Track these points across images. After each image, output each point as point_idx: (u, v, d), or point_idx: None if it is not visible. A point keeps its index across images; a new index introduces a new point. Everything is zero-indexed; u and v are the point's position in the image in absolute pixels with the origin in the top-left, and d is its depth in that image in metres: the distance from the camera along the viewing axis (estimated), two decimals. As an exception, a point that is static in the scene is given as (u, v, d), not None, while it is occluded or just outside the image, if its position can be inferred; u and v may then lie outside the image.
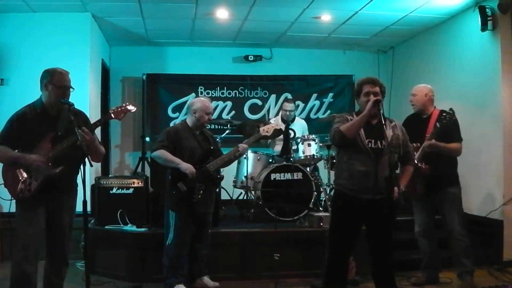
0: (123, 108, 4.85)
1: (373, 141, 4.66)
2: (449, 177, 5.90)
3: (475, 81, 7.41)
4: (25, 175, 4.44)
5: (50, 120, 4.57)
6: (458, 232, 5.80)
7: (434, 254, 6.08)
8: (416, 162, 5.38)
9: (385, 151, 4.60)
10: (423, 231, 6.07)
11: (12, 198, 4.51)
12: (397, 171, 4.80)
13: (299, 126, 8.46)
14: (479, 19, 7.24)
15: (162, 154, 5.74)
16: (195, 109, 5.87)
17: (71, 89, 4.62)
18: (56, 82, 4.53)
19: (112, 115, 4.81)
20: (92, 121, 4.86)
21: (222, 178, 6.09)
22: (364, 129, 4.67)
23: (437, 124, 5.61)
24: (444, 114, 5.64)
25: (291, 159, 7.56)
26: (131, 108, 4.90)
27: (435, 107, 6.00)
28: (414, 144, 5.62)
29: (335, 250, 4.89)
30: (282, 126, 7.85)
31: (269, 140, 8.44)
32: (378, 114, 4.64)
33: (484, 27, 7.22)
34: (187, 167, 5.61)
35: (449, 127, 5.64)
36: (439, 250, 6.09)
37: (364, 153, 4.65)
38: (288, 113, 8.36)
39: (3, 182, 4.53)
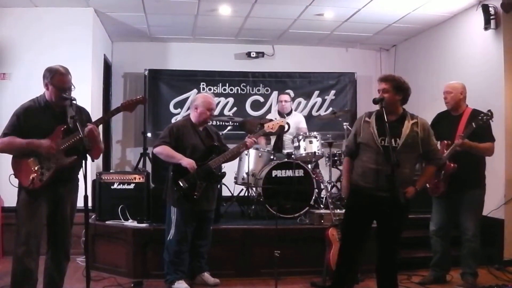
0: (134, 100, 4.85)
1: (386, 139, 4.64)
2: (474, 179, 5.82)
3: (477, 80, 7.40)
4: (37, 165, 4.45)
5: (55, 113, 4.58)
6: (472, 234, 5.78)
7: (445, 255, 6.05)
8: (443, 160, 5.55)
9: (398, 150, 4.57)
10: (438, 231, 6.04)
11: (24, 186, 4.48)
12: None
13: (294, 120, 8.42)
14: (482, 17, 7.24)
15: (164, 150, 5.73)
16: (196, 104, 5.87)
17: (72, 88, 4.62)
18: (56, 83, 4.52)
19: (124, 108, 4.82)
20: (93, 117, 4.88)
21: (223, 175, 6.07)
22: (379, 127, 4.70)
23: (473, 124, 5.53)
24: (482, 115, 5.54)
25: (292, 156, 7.57)
26: (141, 98, 4.92)
27: (467, 105, 5.95)
28: (445, 141, 5.70)
29: (344, 243, 5.00)
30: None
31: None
32: (393, 111, 4.74)
33: (487, 26, 7.23)
34: (188, 162, 5.60)
35: (483, 128, 5.58)
36: (451, 250, 6.07)
37: (376, 151, 4.68)
38: (283, 103, 8.36)
39: (12, 173, 4.53)
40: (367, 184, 4.76)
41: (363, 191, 4.81)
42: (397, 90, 4.72)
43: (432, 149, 4.86)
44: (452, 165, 5.65)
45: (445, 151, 5.69)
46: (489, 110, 5.60)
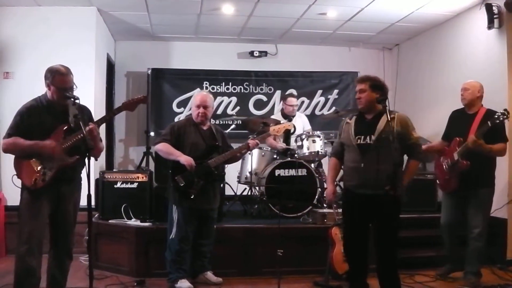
0: (135, 99, 4.83)
1: (362, 137, 4.85)
2: (484, 178, 5.84)
3: (480, 79, 7.32)
4: (39, 165, 4.46)
5: (57, 113, 4.57)
6: (478, 233, 5.81)
7: (454, 251, 6.12)
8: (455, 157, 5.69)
9: (372, 146, 4.75)
10: (447, 227, 6.11)
11: (27, 186, 4.50)
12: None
13: (300, 122, 8.43)
14: (486, 16, 7.24)
15: (164, 147, 5.78)
16: (190, 104, 5.91)
17: (74, 87, 4.61)
18: (57, 83, 4.53)
19: (125, 107, 4.81)
20: (96, 116, 4.87)
21: (222, 175, 6.07)
22: (356, 126, 4.93)
23: (489, 122, 5.55)
24: (498, 114, 5.55)
25: (295, 155, 7.57)
26: (141, 98, 4.90)
27: (482, 105, 5.97)
28: (457, 138, 5.77)
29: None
30: (284, 122, 7.78)
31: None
32: (372, 109, 4.89)
33: (490, 25, 7.22)
34: (186, 159, 5.62)
35: (498, 128, 5.62)
36: (460, 248, 6.09)
37: (353, 150, 4.88)
38: (292, 108, 8.30)
39: (15, 173, 4.54)
40: (350, 183, 4.98)
41: (349, 190, 5.02)
42: (373, 88, 4.88)
43: (411, 143, 4.87)
44: (465, 162, 5.67)
45: (457, 148, 5.73)
46: (506, 110, 5.60)
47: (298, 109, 9.65)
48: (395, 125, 4.74)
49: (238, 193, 8.25)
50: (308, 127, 8.52)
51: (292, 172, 7.34)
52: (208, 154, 5.81)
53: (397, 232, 4.86)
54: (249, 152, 6.86)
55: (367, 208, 4.80)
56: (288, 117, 8.21)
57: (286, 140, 7.81)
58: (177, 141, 5.80)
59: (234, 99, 10.36)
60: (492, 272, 6.43)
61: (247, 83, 10.43)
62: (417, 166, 5.05)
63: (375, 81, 4.93)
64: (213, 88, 10.20)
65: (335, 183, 7.32)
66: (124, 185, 6.88)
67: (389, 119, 4.64)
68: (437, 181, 6.21)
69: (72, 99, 4.47)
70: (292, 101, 8.32)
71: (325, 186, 6.98)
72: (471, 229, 5.86)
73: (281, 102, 8.79)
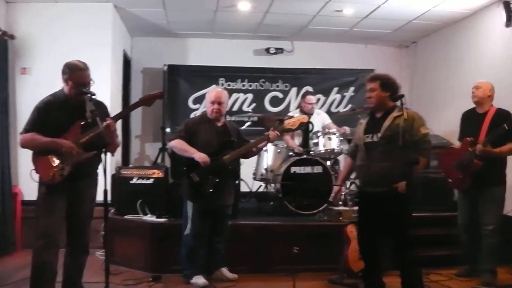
0: (152, 95, 4.83)
1: (370, 135, 4.91)
2: (495, 176, 5.83)
3: (497, 77, 7.29)
4: (56, 160, 4.47)
5: (74, 108, 4.58)
6: (491, 229, 5.78)
7: (471, 250, 6.07)
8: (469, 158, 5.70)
9: (377, 144, 4.81)
10: (464, 227, 6.10)
11: (45, 181, 4.52)
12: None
13: (319, 119, 8.41)
14: (504, 14, 7.19)
15: (178, 143, 5.78)
16: (205, 100, 5.91)
17: (91, 83, 4.64)
18: (74, 79, 4.54)
19: (142, 102, 4.81)
20: (112, 112, 4.89)
21: (237, 171, 6.04)
22: (367, 125, 5.01)
23: (505, 125, 5.53)
24: None
25: (311, 152, 7.55)
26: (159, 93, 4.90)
27: (492, 105, 5.96)
28: (468, 138, 5.80)
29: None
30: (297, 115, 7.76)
31: None
32: (382, 107, 4.92)
33: (508, 23, 7.19)
34: (200, 156, 5.61)
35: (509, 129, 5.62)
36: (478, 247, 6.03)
37: (362, 149, 4.96)
38: (312, 106, 8.28)
39: (33, 168, 4.56)
40: (359, 181, 5.16)
41: (360, 188, 5.19)
42: (383, 87, 4.89)
43: (417, 140, 4.82)
44: (479, 163, 5.65)
45: (469, 149, 5.73)
46: None
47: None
48: (400, 122, 4.72)
49: (254, 190, 8.25)
50: (328, 121, 8.48)
51: (308, 169, 7.33)
52: (221, 150, 5.77)
53: (406, 229, 4.82)
54: (264, 148, 6.84)
55: (376, 206, 4.83)
56: (307, 115, 8.19)
57: (305, 137, 7.77)
58: (191, 138, 5.79)
59: (250, 96, 10.36)
60: (508, 272, 6.37)
61: (263, 80, 10.41)
62: (424, 163, 4.97)
63: (385, 80, 4.94)
64: (229, 85, 10.21)
65: (351, 180, 7.39)
66: (140, 181, 6.91)
67: (405, 117, 4.63)
68: (449, 179, 6.19)
69: (89, 95, 4.49)
70: (311, 99, 8.31)
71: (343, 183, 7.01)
72: (484, 227, 5.83)
73: (300, 100, 8.75)
